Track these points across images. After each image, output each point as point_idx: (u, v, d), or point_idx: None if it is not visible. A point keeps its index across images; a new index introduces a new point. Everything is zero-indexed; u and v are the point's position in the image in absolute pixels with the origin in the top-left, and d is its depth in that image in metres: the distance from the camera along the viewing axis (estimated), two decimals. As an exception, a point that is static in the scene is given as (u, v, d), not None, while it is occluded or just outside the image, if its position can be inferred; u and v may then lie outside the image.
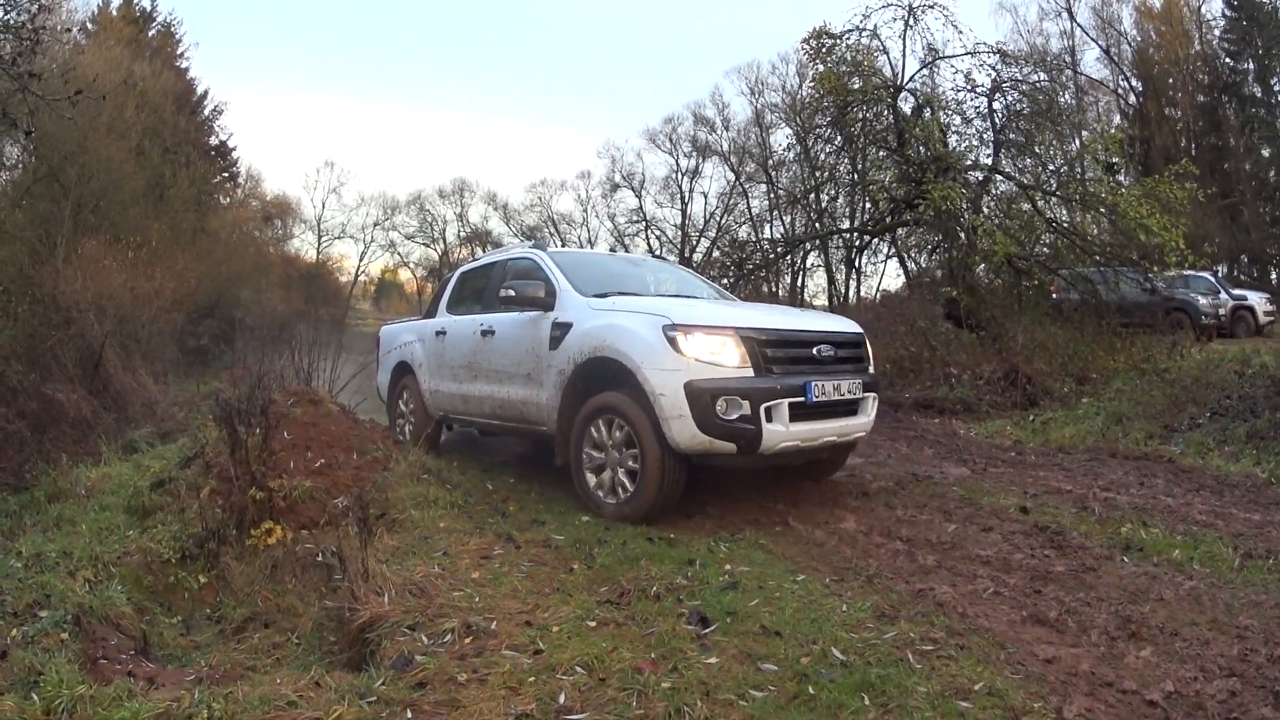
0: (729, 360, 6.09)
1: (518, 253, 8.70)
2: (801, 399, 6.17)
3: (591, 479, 6.70)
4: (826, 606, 4.38)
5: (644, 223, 50.47)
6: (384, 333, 10.98)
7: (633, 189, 50.96)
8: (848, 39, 16.55)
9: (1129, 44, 37.67)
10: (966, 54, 15.94)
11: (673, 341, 6.07)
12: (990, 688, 3.47)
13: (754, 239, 27.08)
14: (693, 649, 3.86)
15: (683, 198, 49.68)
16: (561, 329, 7.08)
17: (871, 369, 7.32)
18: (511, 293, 7.48)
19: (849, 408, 6.67)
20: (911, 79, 16.48)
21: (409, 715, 3.52)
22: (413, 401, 9.67)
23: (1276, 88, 34.77)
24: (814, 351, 6.55)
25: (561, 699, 3.50)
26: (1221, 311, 20.14)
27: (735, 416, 5.93)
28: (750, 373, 6.11)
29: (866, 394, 6.85)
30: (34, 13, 10.92)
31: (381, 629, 4.38)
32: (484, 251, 47.15)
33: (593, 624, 4.24)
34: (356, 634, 4.56)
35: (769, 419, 6.00)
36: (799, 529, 6.16)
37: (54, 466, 9.58)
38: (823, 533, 6.05)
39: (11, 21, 10.69)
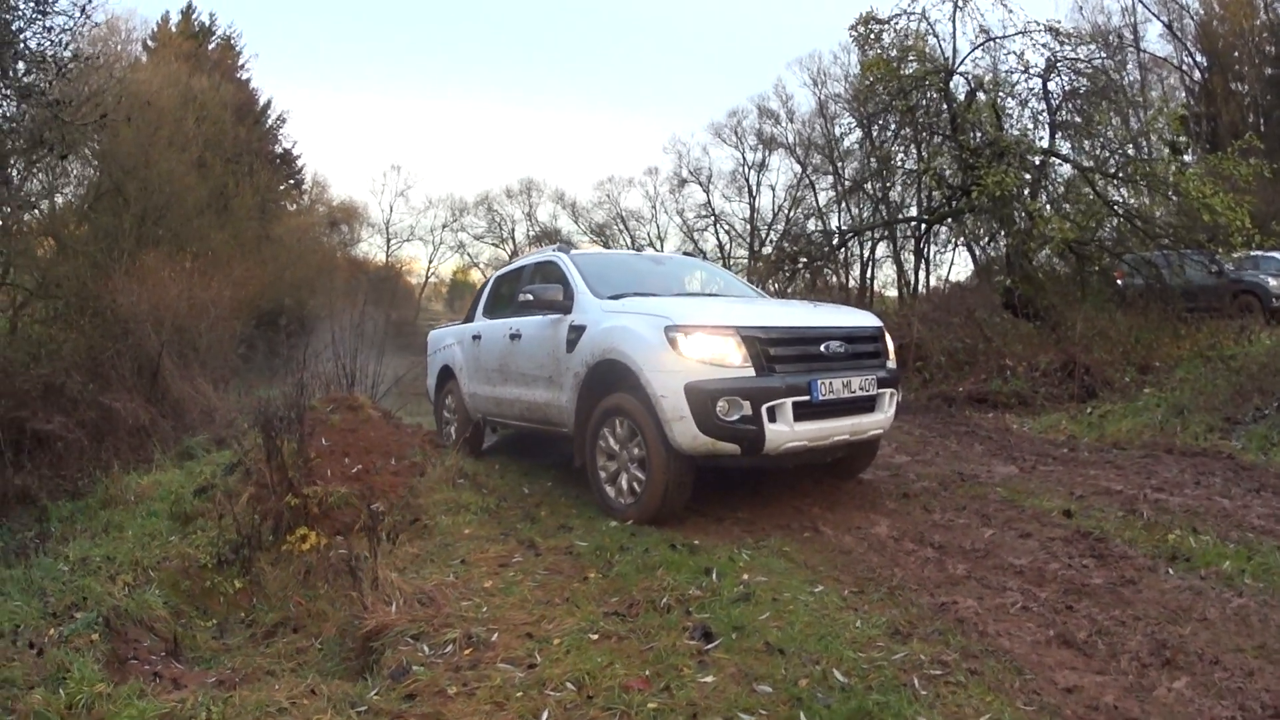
0: (730, 360, 6.01)
1: (543, 256, 8.73)
2: (807, 398, 6.06)
3: (606, 480, 6.69)
4: (839, 622, 4.20)
5: (712, 217, 50.15)
6: (431, 337, 11.10)
7: (700, 184, 50.54)
8: (896, 23, 16.25)
9: (1192, 18, 36.49)
10: (1018, 34, 15.53)
11: (673, 342, 6.03)
12: (996, 720, 3.27)
13: (813, 230, 26.77)
14: (690, 666, 3.73)
15: (750, 191, 49.24)
16: (577, 331, 7.07)
17: (891, 363, 7.10)
18: (529, 296, 7.59)
19: (863, 405, 6.51)
20: (962, 62, 16.13)
21: None
22: (455, 404, 9.75)
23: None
24: (821, 348, 6.40)
25: (544, 716, 3.43)
26: None
27: (737, 417, 5.86)
28: (752, 372, 6.02)
29: (883, 390, 6.66)
30: (64, 43, 11.27)
31: (386, 638, 4.37)
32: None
33: (595, 637, 4.14)
34: (363, 642, 4.56)
35: (772, 419, 5.92)
36: (828, 534, 5.98)
37: (108, 474, 9.79)
38: (852, 538, 5.85)
39: (45, 52, 11.05)
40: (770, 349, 6.12)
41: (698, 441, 5.91)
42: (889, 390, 6.75)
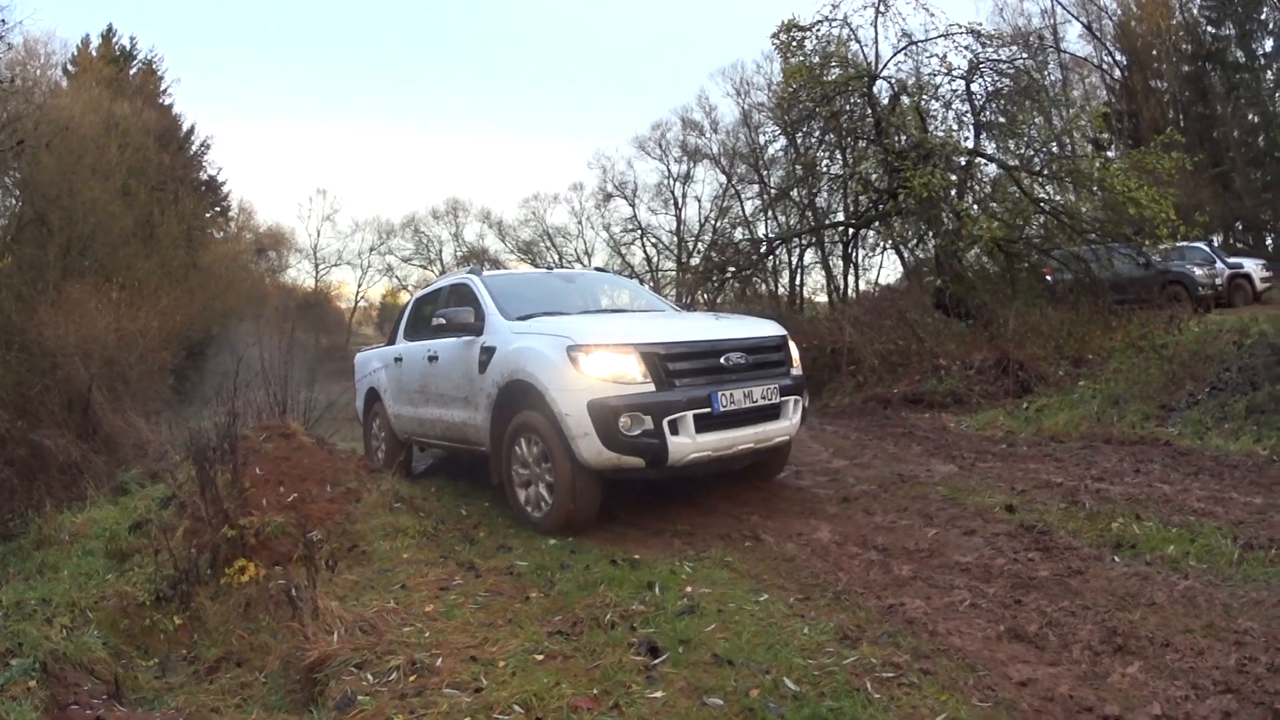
0: (630, 376, 6.20)
1: (456, 279, 8.97)
2: (708, 409, 6.26)
3: (521, 494, 6.92)
4: (787, 629, 4.17)
5: (639, 231, 50.14)
6: (357, 360, 11.29)
7: (625, 198, 50.52)
8: (818, 30, 16.38)
9: (1110, 18, 37.41)
10: (940, 36, 15.74)
11: (574, 361, 6.24)
12: (953, 719, 3.26)
13: (740, 239, 26.93)
14: (638, 683, 3.69)
15: (676, 203, 49.32)
16: (488, 353, 7.30)
17: (796, 371, 7.32)
18: (442, 320, 7.89)
19: (767, 413, 6.71)
20: (885, 66, 16.32)
21: None
22: (382, 425, 9.97)
23: (1259, 52, 34.48)
24: (721, 360, 6.58)
25: (493, 742, 3.34)
26: (1218, 281, 19.71)
27: (639, 432, 6.08)
28: (652, 387, 6.22)
29: (786, 398, 6.89)
30: None
31: (330, 668, 4.29)
32: (483, 269, 47.24)
33: (540, 657, 4.08)
34: (306, 673, 4.47)
35: (674, 432, 6.14)
36: (770, 542, 5.97)
37: (40, 513, 9.54)
38: (794, 545, 5.84)
39: None
40: (669, 364, 6.33)
41: (603, 456, 6.13)
42: (793, 398, 7.00)
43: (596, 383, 6.15)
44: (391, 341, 10.19)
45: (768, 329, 7.39)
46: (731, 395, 6.40)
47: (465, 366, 7.67)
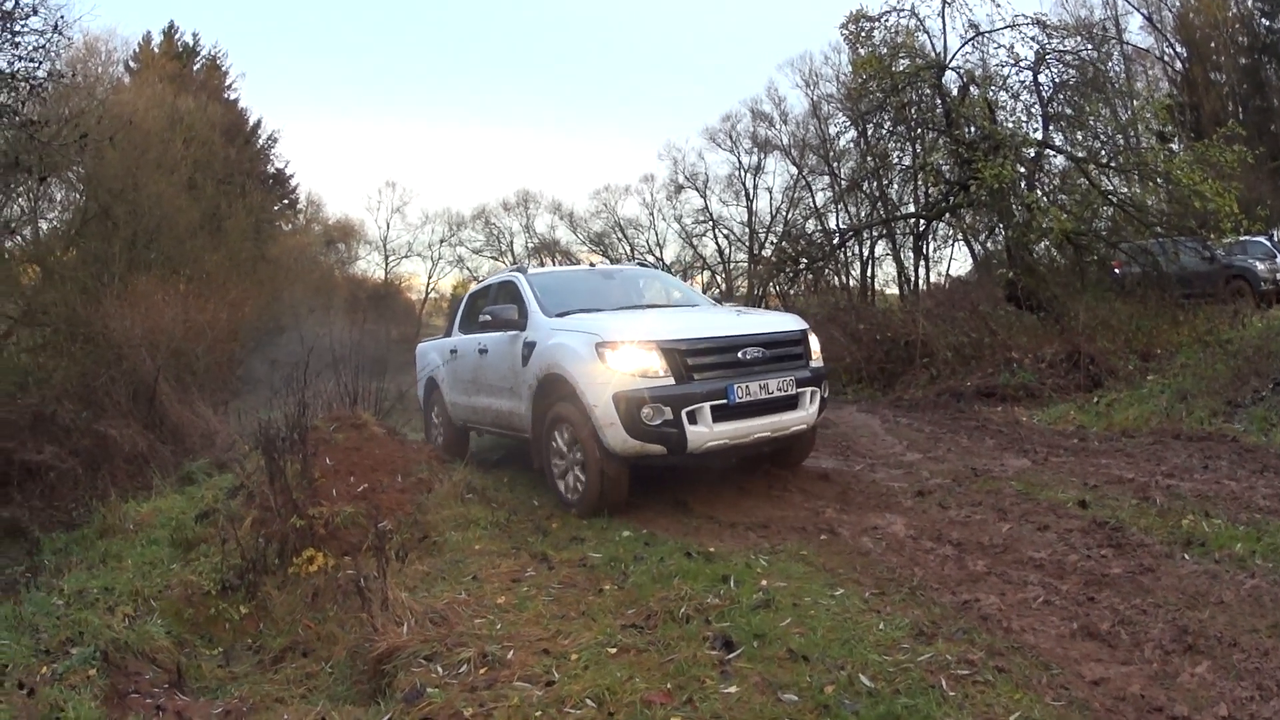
0: (652, 370, 6.69)
1: (504, 276, 9.54)
2: (724, 401, 6.72)
3: (559, 479, 7.40)
4: (862, 625, 4.13)
5: (710, 222, 49.74)
6: (418, 350, 11.76)
7: (697, 189, 49.84)
8: (886, 20, 16.14)
9: (1169, 10, 36.65)
10: (1006, 27, 15.45)
11: (602, 356, 6.75)
12: (1027, 718, 3.22)
13: (812, 231, 26.76)
14: (712, 677, 3.67)
15: (748, 195, 48.63)
16: (529, 348, 7.80)
17: (816, 363, 7.67)
18: (488, 317, 8.37)
19: (783, 404, 7.10)
20: (953, 57, 16.02)
21: None
22: (440, 413, 10.45)
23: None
24: (739, 355, 7.02)
25: (565, 736, 3.34)
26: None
27: (659, 422, 6.57)
28: (672, 381, 6.69)
29: (803, 389, 7.24)
30: (37, 62, 11.14)
31: (398, 660, 4.31)
32: (552, 261, 46.94)
33: (613, 651, 4.07)
34: (375, 665, 4.49)
35: (692, 421, 6.62)
36: (845, 536, 5.92)
37: (105, 503, 9.63)
38: (869, 539, 5.80)
39: (16, 70, 10.90)
40: (689, 359, 6.80)
41: (627, 444, 6.63)
42: (810, 389, 7.33)
43: (622, 376, 6.64)
44: (448, 334, 10.70)
45: (788, 324, 7.82)
46: (748, 388, 6.84)
47: (510, 360, 8.14)
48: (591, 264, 11.08)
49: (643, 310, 8.24)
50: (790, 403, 7.12)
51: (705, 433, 6.64)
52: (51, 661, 4.71)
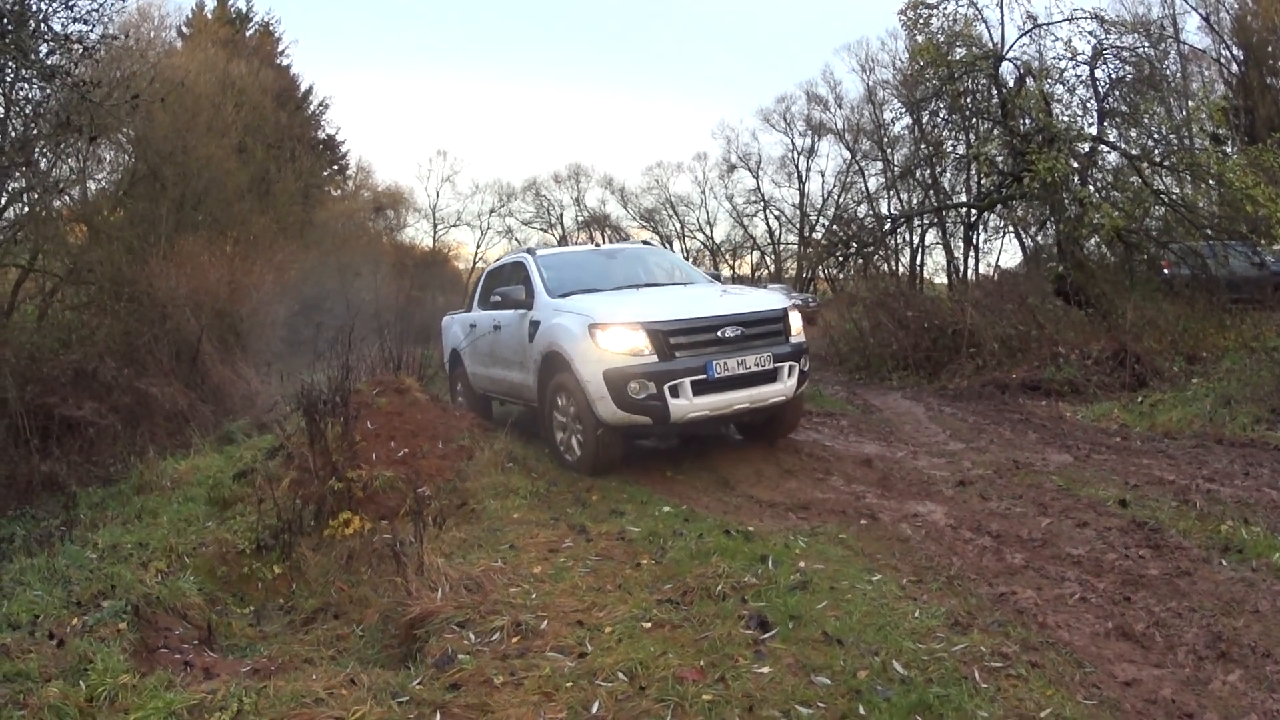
0: (638, 349, 7.35)
1: (515, 257, 10.39)
2: (704, 376, 7.35)
3: (560, 439, 8.10)
4: (898, 611, 4.12)
5: (762, 203, 49.82)
6: (444, 323, 12.31)
7: (749, 169, 50.03)
8: (944, 8, 15.97)
9: (1227, 11, 35.97)
10: (1065, 20, 15.28)
11: (593, 336, 7.43)
12: (1058, 715, 3.20)
13: (864, 216, 26.64)
14: (746, 656, 3.68)
15: (799, 177, 48.71)
16: (534, 326, 8.46)
17: (796, 339, 8.15)
18: (498, 298, 9.18)
19: (761, 378, 7.68)
20: (1010, 48, 15.85)
21: (438, 718, 3.45)
22: (462, 381, 11.12)
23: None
24: (718, 334, 7.59)
25: (595, 708, 3.39)
26: None
27: (645, 395, 7.26)
28: (656, 358, 7.35)
29: (780, 364, 7.79)
30: (90, 24, 11.29)
31: (431, 625, 4.33)
32: (602, 236, 46.95)
33: (648, 625, 4.10)
34: (407, 629, 4.54)
35: (674, 395, 7.28)
36: (885, 521, 5.90)
37: (143, 460, 9.73)
38: (909, 526, 5.77)
39: (70, 33, 11.01)
40: (671, 338, 7.44)
41: (616, 415, 7.34)
42: (789, 363, 7.89)
43: (611, 355, 7.34)
44: (469, 309, 11.34)
45: (769, 302, 8.42)
46: (726, 363, 7.46)
47: (520, 336, 8.80)
48: (596, 244, 11.60)
49: (636, 290, 8.84)
50: (768, 376, 7.71)
51: (686, 405, 7.31)
52: (83, 614, 4.75)
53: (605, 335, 7.39)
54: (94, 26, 11.43)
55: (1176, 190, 15.38)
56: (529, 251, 9.81)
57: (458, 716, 3.44)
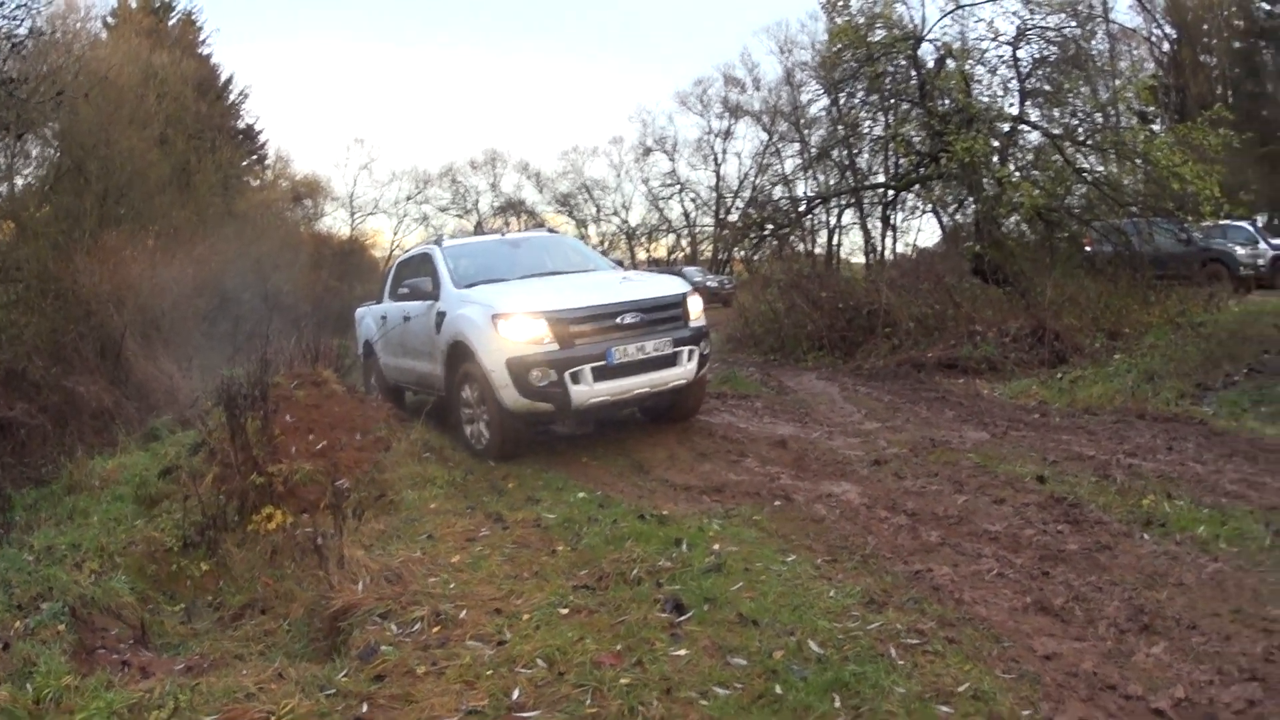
0: (539, 338, 7.49)
1: (422, 249, 10.59)
2: (604, 362, 7.51)
3: (468, 428, 8.26)
4: (813, 591, 4.14)
5: (678, 186, 49.82)
6: (357, 314, 12.49)
7: (665, 152, 49.86)
8: (865, -10, 16.17)
9: (1161, -10, 36.61)
10: (988, 1, 15.53)
11: (496, 326, 7.57)
12: (976, 690, 3.22)
13: (780, 197, 26.79)
14: (662, 640, 3.70)
15: (716, 159, 48.82)
16: (440, 317, 8.61)
17: (695, 323, 8.31)
18: (406, 289, 9.29)
19: (661, 362, 7.87)
20: (931, 29, 16.10)
21: (364, 709, 3.45)
22: (376, 373, 11.20)
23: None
24: (617, 320, 7.74)
25: (515, 694, 3.40)
26: (1261, 262, 19.03)
27: (546, 383, 7.41)
28: (556, 346, 7.49)
29: (680, 348, 7.98)
30: (18, 20, 11.10)
31: (354, 617, 4.32)
32: (518, 221, 46.72)
33: (564, 611, 4.11)
34: (331, 622, 4.51)
35: (575, 381, 7.44)
36: (799, 502, 5.92)
37: (72, 459, 9.60)
38: (823, 506, 5.79)
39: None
40: (571, 326, 7.59)
41: (519, 402, 7.52)
42: (688, 348, 8.06)
43: (513, 344, 7.47)
44: (380, 301, 11.55)
45: (668, 288, 8.54)
46: (626, 349, 7.63)
47: (428, 327, 8.92)
48: (501, 233, 11.67)
49: (538, 279, 8.94)
50: (668, 361, 7.90)
51: (587, 391, 7.48)
52: (24, 616, 4.72)
53: (507, 325, 7.54)
54: (21, 22, 11.27)
55: (1101, 169, 15.62)
56: (436, 243, 10.04)
57: (383, 707, 3.44)
